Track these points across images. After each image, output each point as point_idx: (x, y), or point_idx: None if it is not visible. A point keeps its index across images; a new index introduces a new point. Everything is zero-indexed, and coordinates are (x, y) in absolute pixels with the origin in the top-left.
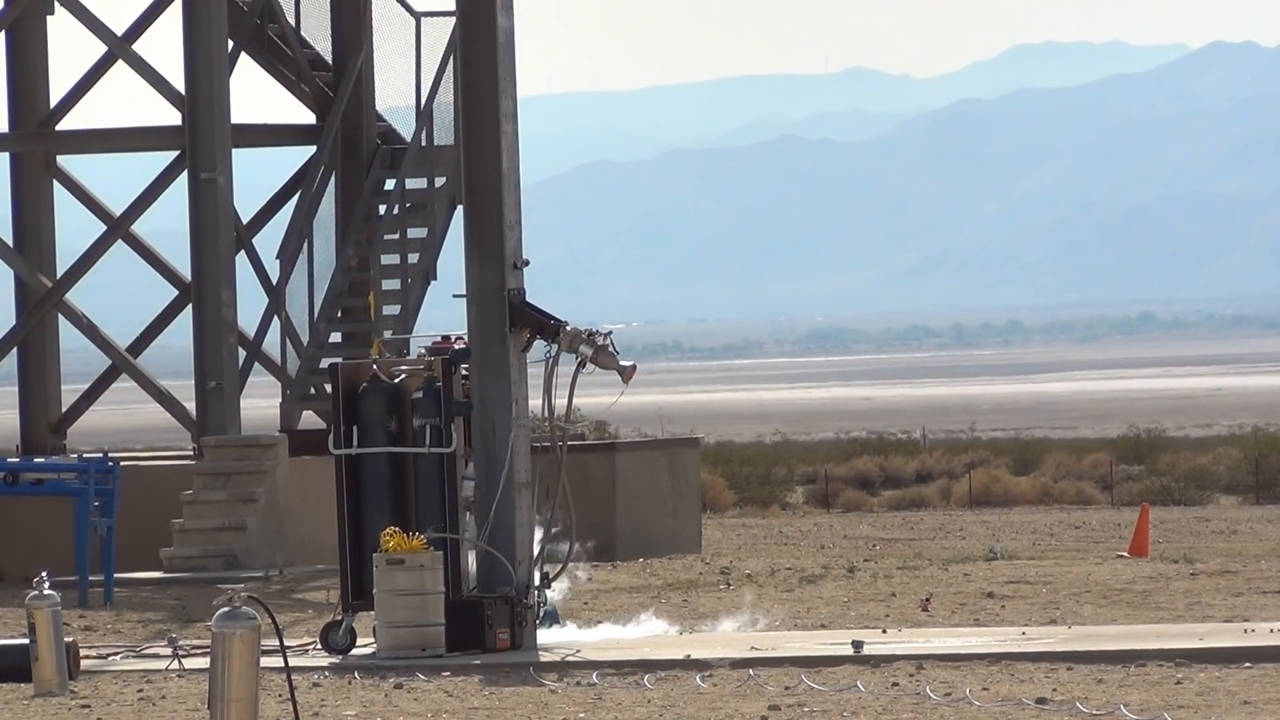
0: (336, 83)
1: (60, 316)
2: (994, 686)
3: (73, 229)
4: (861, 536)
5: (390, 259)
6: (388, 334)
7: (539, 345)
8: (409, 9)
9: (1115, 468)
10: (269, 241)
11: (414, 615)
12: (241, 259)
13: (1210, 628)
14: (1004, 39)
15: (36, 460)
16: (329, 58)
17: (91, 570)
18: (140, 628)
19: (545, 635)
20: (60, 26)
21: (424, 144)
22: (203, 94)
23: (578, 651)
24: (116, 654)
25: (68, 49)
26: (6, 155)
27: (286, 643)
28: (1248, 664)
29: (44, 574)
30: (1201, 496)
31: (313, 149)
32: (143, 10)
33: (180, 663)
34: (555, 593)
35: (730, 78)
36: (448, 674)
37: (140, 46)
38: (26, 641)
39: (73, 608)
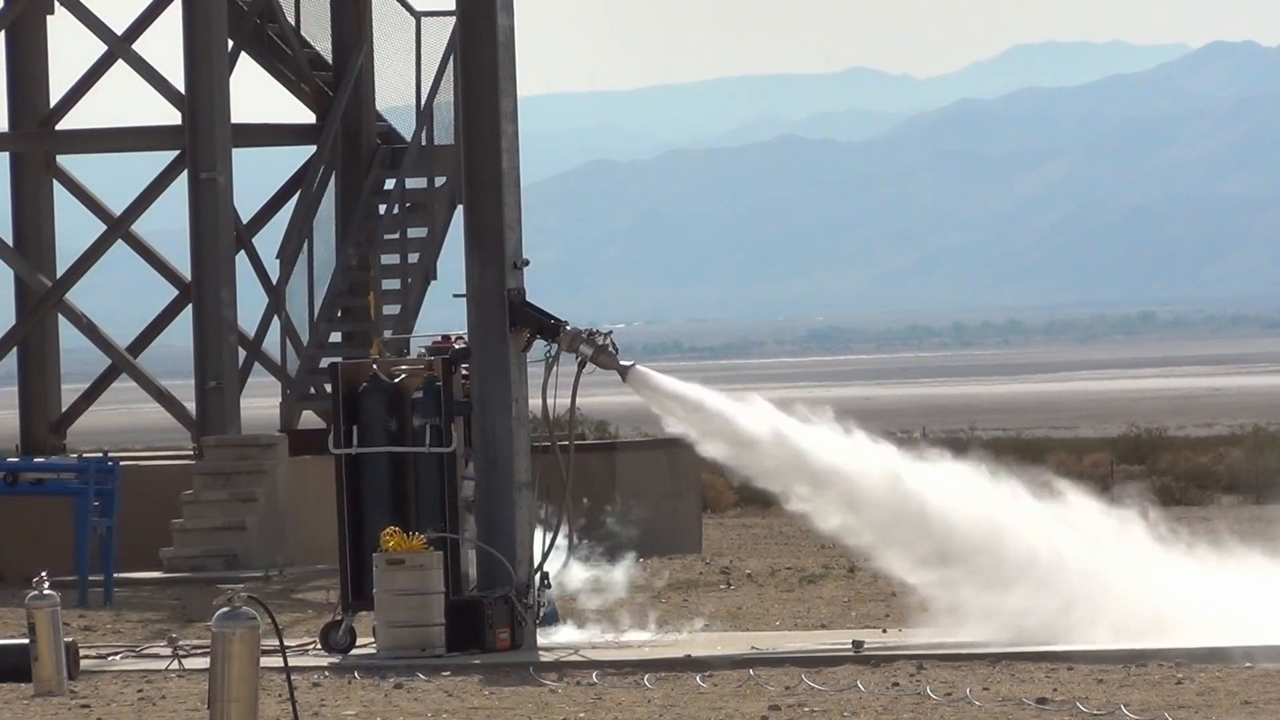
0: (336, 83)
1: (60, 316)
2: (994, 686)
3: (73, 229)
4: None
5: (390, 259)
6: (388, 334)
7: (539, 345)
8: (409, 9)
9: (1116, 467)
10: (269, 241)
11: (414, 615)
12: (241, 259)
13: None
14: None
15: (36, 460)
16: (329, 58)
17: (91, 570)
18: (140, 628)
19: (545, 636)
20: (60, 26)
21: (424, 144)
22: (203, 94)
23: (577, 651)
24: (116, 654)
25: (68, 49)
26: (6, 155)
27: (286, 643)
28: (1248, 664)
29: (44, 574)
30: (1202, 496)
31: (313, 149)
32: (143, 10)
33: (180, 663)
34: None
35: (730, 78)
36: (448, 674)
37: (140, 46)
38: (26, 641)
39: (73, 608)
